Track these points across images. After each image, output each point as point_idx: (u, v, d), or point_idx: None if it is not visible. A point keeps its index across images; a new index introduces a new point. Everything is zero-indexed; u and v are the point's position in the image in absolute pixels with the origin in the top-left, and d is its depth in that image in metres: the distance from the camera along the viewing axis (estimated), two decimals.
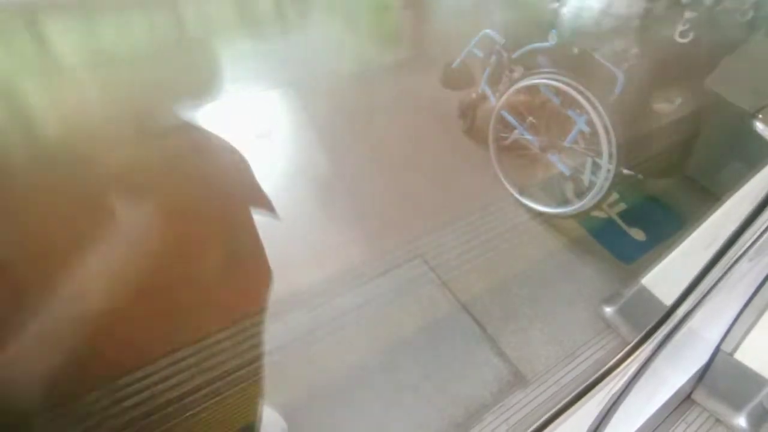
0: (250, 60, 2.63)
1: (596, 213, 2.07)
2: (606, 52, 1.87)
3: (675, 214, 2.10)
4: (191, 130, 0.83)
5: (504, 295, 1.76)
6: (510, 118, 2.10)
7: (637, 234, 2.02)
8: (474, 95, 2.35)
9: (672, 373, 1.32)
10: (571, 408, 1.14)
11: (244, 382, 1.31)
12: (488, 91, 2.26)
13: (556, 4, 1.91)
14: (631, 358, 1.24)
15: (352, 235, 1.93)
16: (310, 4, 3.02)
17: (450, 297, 1.73)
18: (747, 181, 1.43)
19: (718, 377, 1.37)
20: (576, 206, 1.94)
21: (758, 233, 1.22)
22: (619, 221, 2.07)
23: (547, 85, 1.94)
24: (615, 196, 2.14)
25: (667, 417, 1.36)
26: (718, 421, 1.37)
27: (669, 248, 1.57)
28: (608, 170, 1.81)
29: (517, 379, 1.51)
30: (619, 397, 1.18)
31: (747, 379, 1.34)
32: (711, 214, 1.49)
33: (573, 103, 1.87)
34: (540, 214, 2.05)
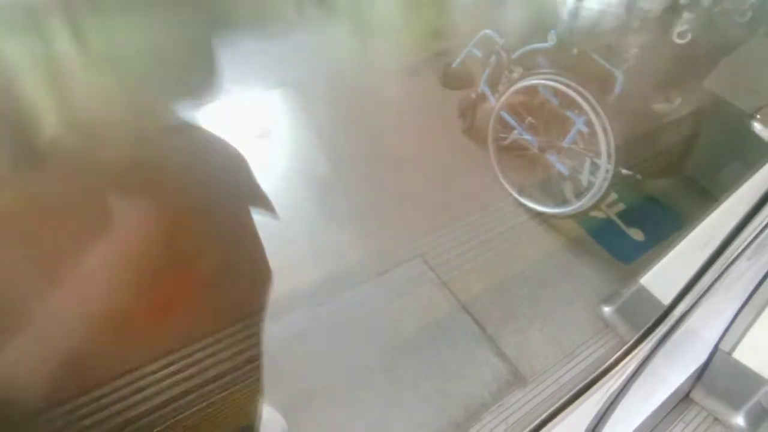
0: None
1: (595, 213, 2.08)
2: (605, 53, 1.87)
3: (673, 214, 2.10)
4: (191, 129, 0.84)
5: (503, 294, 1.76)
6: (509, 119, 2.11)
7: (636, 234, 2.03)
8: (473, 95, 2.36)
9: (670, 372, 1.32)
10: (570, 407, 1.14)
11: (243, 382, 1.31)
12: (488, 92, 2.26)
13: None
14: (630, 357, 1.24)
15: (351, 235, 1.94)
16: None
17: (449, 297, 1.73)
18: (745, 180, 1.43)
19: (716, 376, 1.38)
20: (575, 206, 1.95)
21: (756, 232, 1.22)
22: (618, 221, 2.08)
23: (546, 86, 1.94)
24: (614, 196, 2.15)
25: (666, 416, 1.37)
26: (716, 420, 1.37)
27: (667, 248, 1.58)
28: (607, 170, 1.81)
29: (516, 379, 1.51)
30: (617, 396, 1.18)
31: (745, 378, 1.34)
32: (709, 214, 1.49)
33: (572, 104, 1.88)
34: (539, 214, 2.05)
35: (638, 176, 2.07)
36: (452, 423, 1.41)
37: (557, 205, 2.04)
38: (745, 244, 1.24)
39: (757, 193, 1.26)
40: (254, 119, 2.53)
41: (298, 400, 1.40)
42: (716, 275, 1.26)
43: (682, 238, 1.53)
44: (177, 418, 1.16)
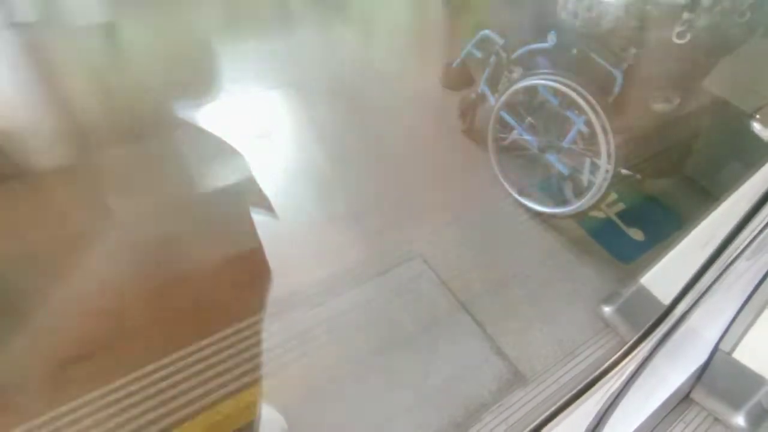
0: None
1: (595, 213, 2.08)
2: (604, 53, 1.87)
3: (673, 214, 2.10)
4: (190, 129, 0.84)
5: (503, 294, 1.76)
6: (509, 119, 2.11)
7: (636, 234, 2.03)
8: (473, 95, 2.36)
9: (671, 372, 1.32)
10: (570, 407, 1.14)
11: (244, 382, 1.31)
12: (487, 92, 2.27)
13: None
14: (630, 357, 1.25)
15: (351, 235, 1.94)
16: None
17: (449, 296, 1.73)
18: (745, 180, 1.43)
19: (716, 376, 1.37)
20: (575, 206, 1.95)
21: (756, 232, 1.22)
22: (618, 221, 2.08)
23: (545, 86, 1.94)
24: (614, 196, 2.15)
25: (666, 416, 1.37)
26: (716, 420, 1.37)
27: (668, 248, 1.58)
28: (607, 170, 1.81)
29: (517, 378, 1.51)
30: (617, 396, 1.18)
31: (745, 378, 1.34)
32: (709, 213, 1.49)
33: (572, 104, 1.88)
34: (539, 214, 2.05)
35: (638, 176, 2.07)
36: (452, 423, 1.41)
37: (557, 205, 2.04)
38: (745, 243, 1.24)
39: (757, 193, 1.26)
40: (254, 119, 2.53)
41: (298, 400, 1.40)
42: (716, 275, 1.26)
43: (682, 238, 1.53)
44: (175, 419, 1.16)
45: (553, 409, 1.14)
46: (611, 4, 1.81)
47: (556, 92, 1.93)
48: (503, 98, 2.07)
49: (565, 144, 1.98)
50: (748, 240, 1.24)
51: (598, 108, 1.77)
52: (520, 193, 2.11)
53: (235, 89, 2.61)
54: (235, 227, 0.97)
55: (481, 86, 2.29)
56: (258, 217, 0.97)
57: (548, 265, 1.88)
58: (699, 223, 1.50)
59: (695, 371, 1.35)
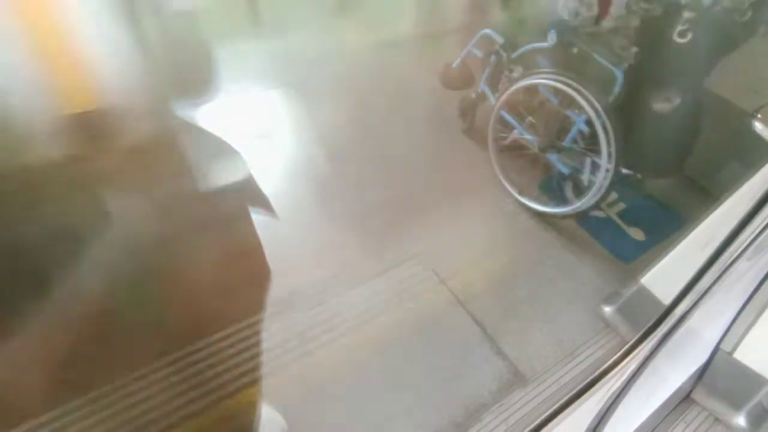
0: None
1: (595, 213, 2.08)
2: (605, 52, 1.87)
3: (674, 214, 2.10)
4: (190, 129, 0.84)
5: (503, 294, 1.76)
6: (509, 118, 2.11)
7: (636, 233, 2.03)
8: (473, 95, 2.36)
9: (671, 372, 1.32)
10: (571, 406, 1.14)
11: (243, 382, 1.31)
12: (488, 91, 2.26)
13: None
14: (630, 356, 1.24)
15: (351, 235, 1.94)
16: None
17: (449, 296, 1.73)
18: (745, 180, 1.43)
19: (717, 376, 1.37)
20: (575, 206, 1.95)
21: (756, 232, 1.22)
22: (619, 221, 2.07)
23: (546, 85, 1.94)
24: (614, 195, 2.15)
25: (667, 416, 1.36)
26: (717, 420, 1.37)
27: (668, 248, 1.58)
28: (607, 170, 1.81)
29: (517, 378, 1.51)
30: (618, 396, 1.18)
31: (746, 378, 1.34)
32: (710, 213, 1.49)
33: (572, 103, 1.87)
34: (539, 213, 2.05)
35: (638, 176, 2.06)
36: (452, 423, 1.40)
37: (557, 204, 2.04)
38: (746, 243, 1.24)
39: (758, 193, 1.26)
40: (254, 119, 2.53)
41: (298, 400, 1.40)
42: (717, 275, 1.26)
43: (683, 238, 1.53)
44: (175, 419, 1.16)
45: (553, 408, 1.14)
46: (612, 4, 1.81)
47: (556, 91, 1.93)
48: (503, 98, 2.07)
49: (565, 143, 1.98)
50: (749, 240, 1.24)
51: (599, 107, 1.76)
52: (521, 193, 2.10)
53: (235, 89, 2.61)
54: (234, 227, 0.96)
55: (481, 86, 2.29)
56: (258, 217, 0.97)
57: (548, 265, 1.88)
58: (699, 223, 1.50)
59: (696, 371, 1.35)
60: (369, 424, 1.40)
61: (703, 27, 1.75)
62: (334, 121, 2.50)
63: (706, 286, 1.27)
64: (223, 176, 0.91)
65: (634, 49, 1.81)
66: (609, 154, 1.79)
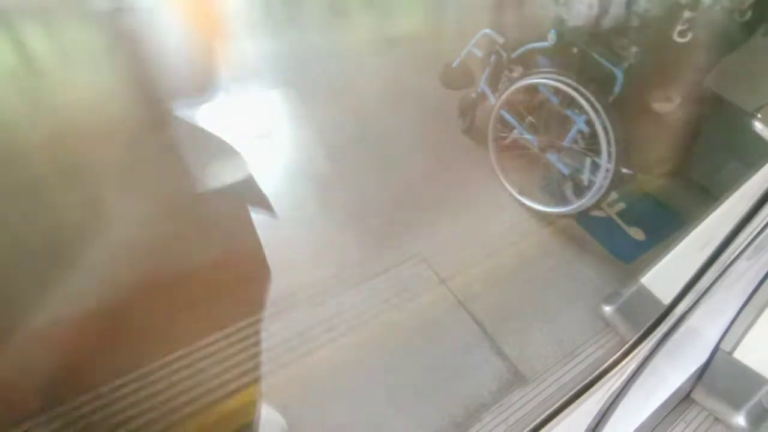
0: None
1: (595, 212, 2.08)
2: (605, 52, 1.87)
3: (674, 214, 2.10)
4: (190, 129, 0.84)
5: (503, 294, 1.76)
6: (509, 118, 2.11)
7: (637, 233, 2.02)
8: (473, 95, 2.36)
9: (671, 371, 1.32)
10: (570, 406, 1.14)
11: (243, 381, 1.31)
12: (488, 91, 2.26)
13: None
14: (630, 356, 1.24)
15: (351, 234, 1.94)
16: None
17: (449, 296, 1.73)
18: (746, 180, 1.43)
19: (717, 376, 1.37)
20: (575, 205, 1.95)
21: (756, 232, 1.22)
22: (619, 220, 2.07)
23: (546, 85, 1.94)
24: (614, 195, 2.15)
25: (667, 416, 1.36)
26: (717, 420, 1.37)
27: (668, 247, 1.57)
28: (607, 169, 1.81)
29: (517, 378, 1.51)
30: (618, 396, 1.18)
31: (746, 377, 1.34)
32: (710, 213, 1.49)
33: (572, 103, 1.87)
34: (539, 213, 2.05)
35: (638, 175, 2.06)
36: (452, 423, 1.41)
37: (557, 204, 2.04)
38: (746, 243, 1.24)
39: (757, 192, 1.26)
40: (254, 119, 2.53)
41: (298, 400, 1.40)
42: (717, 275, 1.26)
43: (683, 238, 1.53)
44: (175, 419, 1.16)
45: (553, 408, 1.14)
46: (612, 4, 1.81)
47: (556, 91, 1.93)
48: (503, 97, 2.07)
49: (565, 143, 1.98)
50: (749, 240, 1.24)
51: (599, 107, 1.76)
52: (521, 193, 2.10)
53: (235, 89, 2.61)
54: (234, 227, 0.96)
55: (481, 85, 2.29)
56: (258, 217, 0.97)
57: (548, 265, 1.88)
58: (699, 223, 1.50)
59: (696, 371, 1.35)
60: (369, 424, 1.40)
61: (703, 27, 1.75)
62: (334, 120, 2.50)
63: (706, 286, 1.27)
64: (223, 176, 0.91)
65: (634, 49, 1.81)
66: (609, 154, 1.79)
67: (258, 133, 2.41)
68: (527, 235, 2.00)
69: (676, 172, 2.22)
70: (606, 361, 1.25)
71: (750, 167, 1.45)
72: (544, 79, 1.92)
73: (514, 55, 2.11)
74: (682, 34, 1.76)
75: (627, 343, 1.30)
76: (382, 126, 2.48)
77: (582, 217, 2.02)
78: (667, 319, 1.29)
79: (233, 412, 1.26)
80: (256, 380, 1.34)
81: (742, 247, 1.23)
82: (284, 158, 2.30)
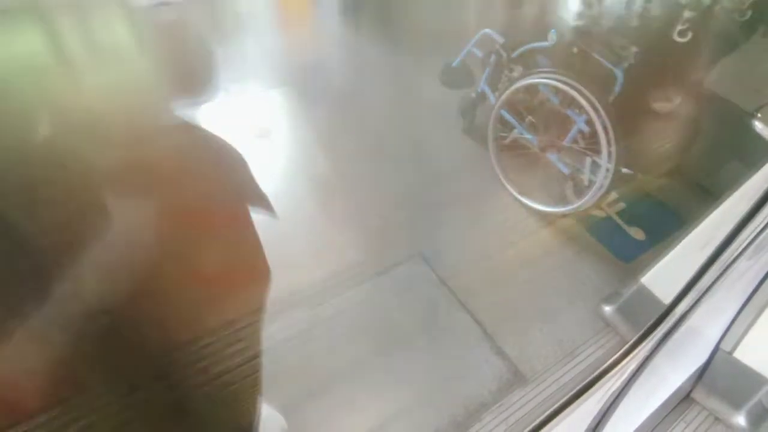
0: None
1: (595, 212, 2.08)
2: (605, 52, 1.87)
3: (674, 213, 2.10)
4: (190, 129, 0.84)
5: (503, 293, 1.76)
6: (509, 118, 2.11)
7: (637, 233, 2.02)
8: (473, 95, 2.36)
9: (671, 371, 1.32)
10: (571, 406, 1.14)
11: (243, 381, 1.31)
12: (488, 91, 2.26)
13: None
14: (630, 356, 1.24)
15: (351, 234, 1.94)
16: None
17: (449, 296, 1.73)
18: (746, 180, 1.43)
19: (717, 376, 1.37)
20: (575, 205, 1.95)
21: (756, 232, 1.22)
22: (619, 220, 2.07)
23: (546, 85, 1.94)
24: (614, 195, 2.15)
25: (667, 415, 1.36)
26: (717, 419, 1.37)
27: (668, 247, 1.57)
28: (607, 169, 1.81)
29: (517, 378, 1.51)
30: (618, 396, 1.18)
31: (746, 377, 1.34)
32: (710, 213, 1.49)
33: (572, 103, 1.87)
34: (539, 213, 2.05)
35: (639, 175, 2.06)
36: (452, 422, 1.40)
37: (558, 204, 2.04)
38: (746, 243, 1.24)
39: (758, 192, 1.26)
40: (254, 119, 2.53)
41: (297, 400, 1.40)
42: (717, 275, 1.26)
43: (683, 238, 1.53)
44: (174, 419, 1.16)
45: (553, 408, 1.14)
46: (612, 4, 1.81)
47: (556, 91, 1.93)
48: (503, 97, 2.07)
49: (565, 143, 1.98)
50: (749, 239, 1.24)
51: (599, 107, 1.76)
52: (521, 192, 2.10)
53: (235, 89, 2.61)
54: (234, 227, 0.96)
55: (482, 85, 2.29)
56: (258, 217, 0.97)
57: (548, 264, 1.88)
58: (699, 223, 1.50)
59: (696, 371, 1.35)
60: (369, 424, 1.40)
61: (702, 27, 1.75)
62: (334, 120, 2.50)
63: (706, 286, 1.27)
64: (222, 176, 0.91)
65: (634, 49, 1.81)
66: (609, 154, 1.79)
67: (258, 133, 2.41)
68: (527, 235, 2.00)
69: (676, 172, 2.22)
70: (606, 361, 1.25)
71: (750, 167, 1.45)
72: (544, 79, 1.92)
73: (514, 55, 2.11)
74: (682, 34, 1.76)
75: (627, 343, 1.30)
76: (382, 126, 2.48)
77: (582, 216, 2.02)
78: (668, 318, 1.29)
79: (233, 411, 1.26)
80: (256, 380, 1.34)
81: (742, 247, 1.23)
82: (284, 158, 2.30)
